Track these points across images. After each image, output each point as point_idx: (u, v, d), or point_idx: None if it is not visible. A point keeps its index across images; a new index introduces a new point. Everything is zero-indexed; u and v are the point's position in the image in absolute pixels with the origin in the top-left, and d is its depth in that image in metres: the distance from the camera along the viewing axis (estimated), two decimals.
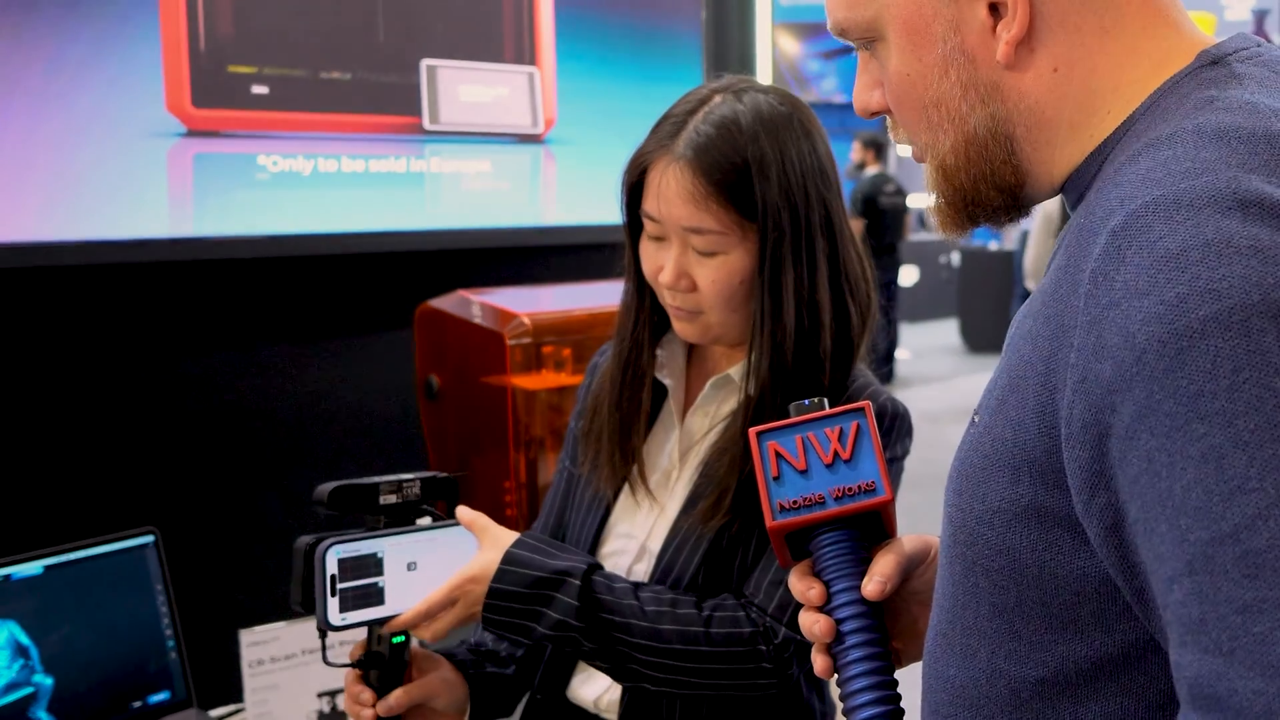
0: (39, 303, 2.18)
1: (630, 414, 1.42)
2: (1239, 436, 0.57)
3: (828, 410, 0.93)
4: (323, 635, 1.26)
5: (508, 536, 1.30)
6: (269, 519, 2.45)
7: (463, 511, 1.31)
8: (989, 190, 0.83)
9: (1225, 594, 0.56)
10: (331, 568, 1.23)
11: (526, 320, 2.26)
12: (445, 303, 2.41)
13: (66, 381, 2.23)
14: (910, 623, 0.97)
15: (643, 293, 1.41)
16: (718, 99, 1.31)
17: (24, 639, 1.81)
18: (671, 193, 1.28)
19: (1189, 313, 0.59)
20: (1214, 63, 0.76)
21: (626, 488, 1.42)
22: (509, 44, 2.70)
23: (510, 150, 2.71)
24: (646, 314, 1.41)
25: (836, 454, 0.90)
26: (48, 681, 1.82)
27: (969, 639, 0.79)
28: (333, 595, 1.23)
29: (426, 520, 1.33)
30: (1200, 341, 0.59)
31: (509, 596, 1.26)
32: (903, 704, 0.88)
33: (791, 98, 1.36)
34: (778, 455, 0.91)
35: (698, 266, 1.30)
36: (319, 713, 1.78)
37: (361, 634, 1.31)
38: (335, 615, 1.23)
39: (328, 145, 2.41)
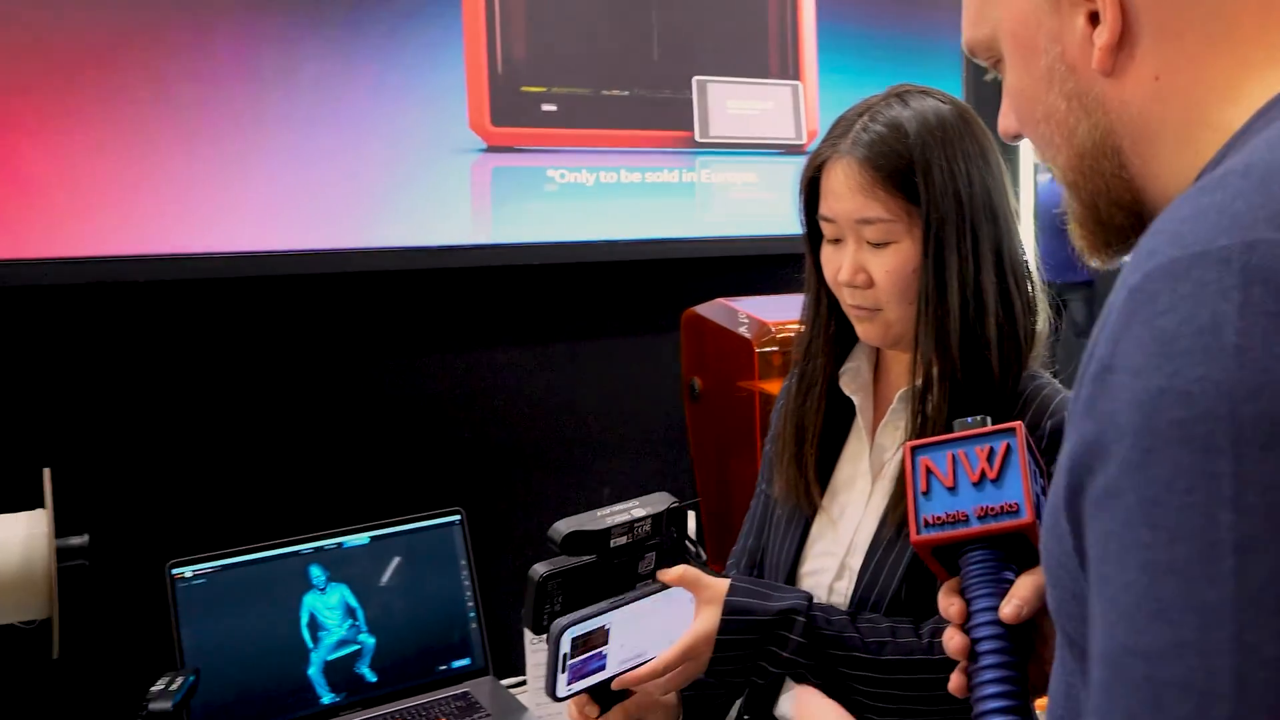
0: (359, 303, 2.41)
1: (813, 428, 1.44)
2: (1174, 562, 0.55)
3: (981, 429, 0.93)
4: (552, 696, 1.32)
5: (721, 585, 1.33)
6: (560, 503, 2.62)
7: (665, 573, 1.34)
8: (1109, 208, 0.78)
9: (1124, 705, 0.57)
10: (565, 648, 1.27)
11: (774, 329, 2.35)
12: (706, 309, 2.51)
13: (392, 378, 2.43)
14: (1047, 653, 0.91)
15: (820, 303, 1.45)
16: (884, 103, 1.37)
17: (353, 601, 2.02)
18: (842, 187, 1.34)
19: (1162, 412, 0.57)
20: None
21: (822, 505, 1.44)
22: (774, 59, 2.79)
23: (775, 161, 2.79)
24: (824, 323, 1.45)
25: (984, 473, 0.90)
26: (371, 641, 2.01)
27: (1071, 678, 0.75)
28: (562, 671, 1.28)
29: (649, 585, 1.36)
30: (1166, 448, 0.56)
31: (736, 646, 1.30)
32: None
33: (956, 100, 1.39)
34: (928, 471, 0.91)
35: (872, 259, 1.34)
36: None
37: None
38: (563, 688, 1.28)
39: (608, 159, 2.54)
